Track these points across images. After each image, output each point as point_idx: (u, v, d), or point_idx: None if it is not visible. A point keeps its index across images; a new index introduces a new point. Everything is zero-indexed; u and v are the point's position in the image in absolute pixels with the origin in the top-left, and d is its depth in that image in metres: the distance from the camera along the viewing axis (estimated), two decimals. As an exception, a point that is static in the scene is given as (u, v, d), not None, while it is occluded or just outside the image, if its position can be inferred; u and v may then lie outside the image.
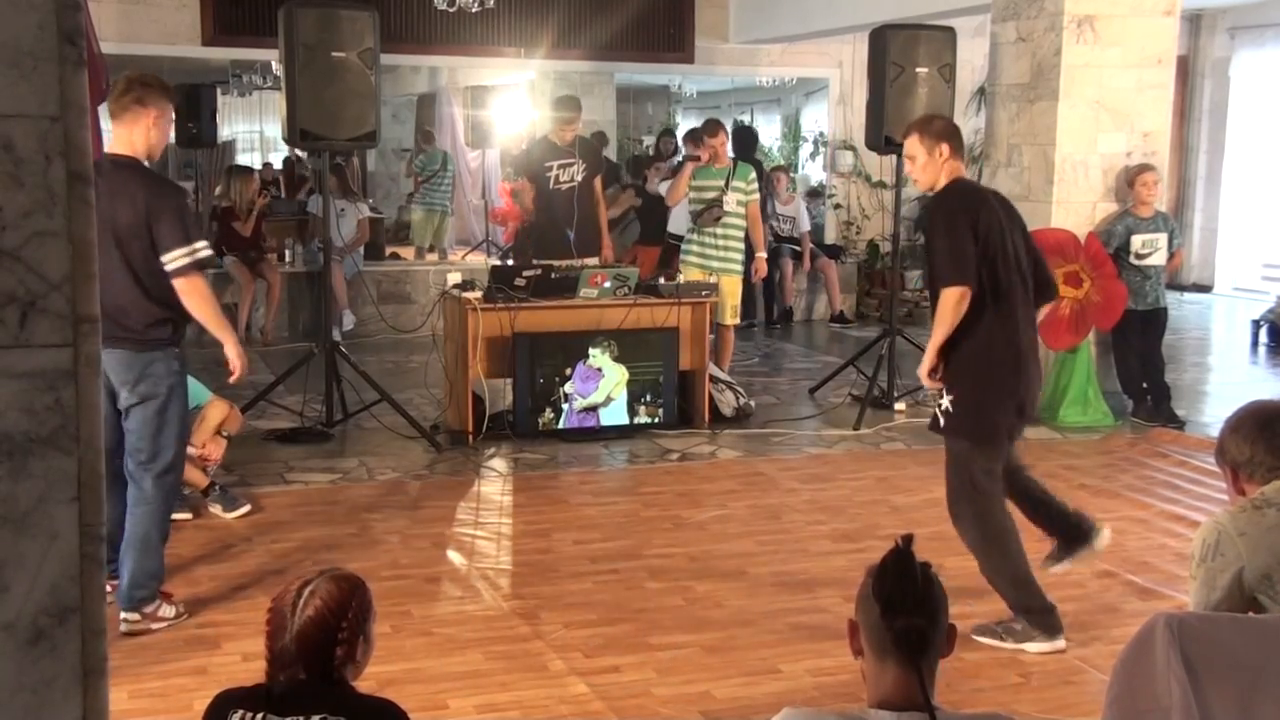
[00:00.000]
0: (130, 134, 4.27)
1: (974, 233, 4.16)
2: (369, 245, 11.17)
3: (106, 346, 4.37)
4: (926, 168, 4.36)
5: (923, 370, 4.36)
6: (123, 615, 4.23)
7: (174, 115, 4.53)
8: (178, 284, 4.21)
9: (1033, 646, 4.21)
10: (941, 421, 4.33)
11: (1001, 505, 4.33)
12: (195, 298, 4.25)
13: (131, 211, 4.16)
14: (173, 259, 4.19)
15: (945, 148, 4.32)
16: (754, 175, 8.12)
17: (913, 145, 4.38)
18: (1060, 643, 4.24)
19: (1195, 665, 2.20)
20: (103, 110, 7.70)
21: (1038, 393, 4.52)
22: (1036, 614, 4.24)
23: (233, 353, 4.45)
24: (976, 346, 4.25)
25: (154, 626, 4.28)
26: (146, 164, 4.33)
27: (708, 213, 7.84)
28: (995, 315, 4.23)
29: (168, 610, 4.35)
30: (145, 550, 4.27)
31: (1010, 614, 4.29)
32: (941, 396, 4.34)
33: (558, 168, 7.87)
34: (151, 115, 4.27)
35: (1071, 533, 4.50)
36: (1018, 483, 4.48)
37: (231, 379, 4.62)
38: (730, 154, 8.23)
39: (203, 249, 4.25)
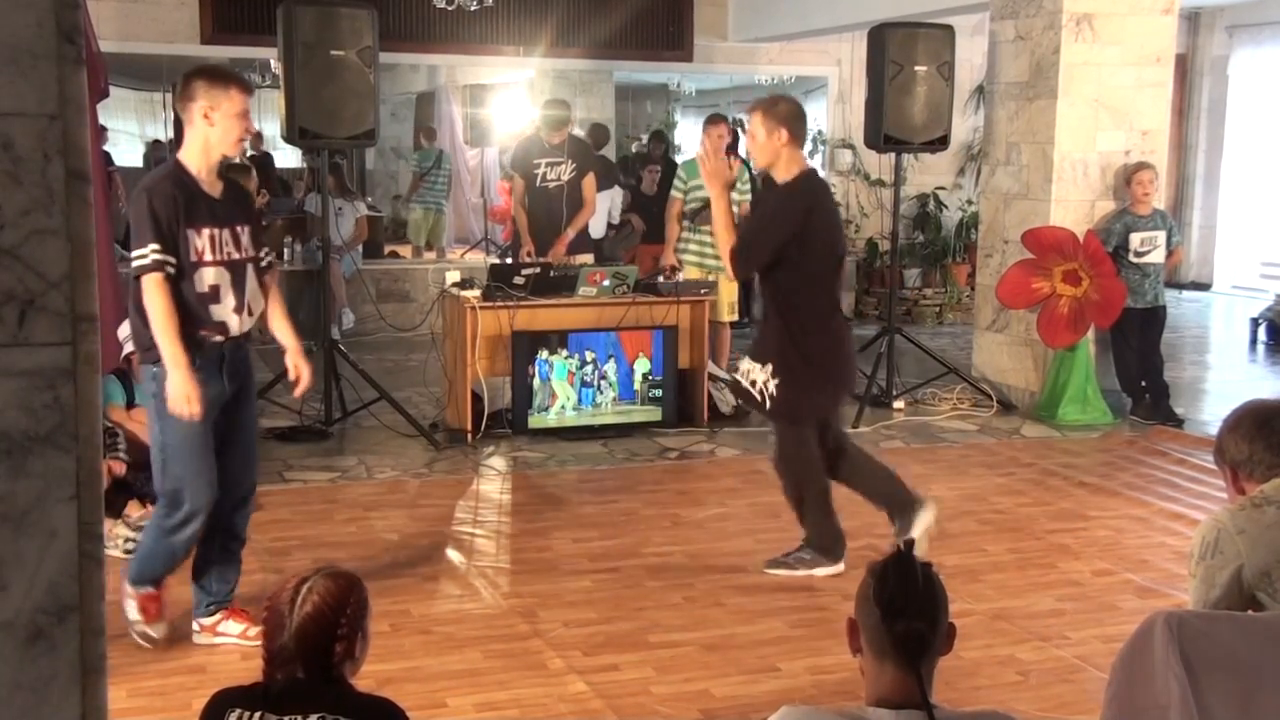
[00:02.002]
0: (189, 133, 3.96)
1: (799, 229, 4.58)
2: (368, 244, 11.16)
3: None
4: (764, 148, 4.65)
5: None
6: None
7: (241, 106, 3.97)
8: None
9: (820, 571, 4.83)
10: (767, 405, 4.73)
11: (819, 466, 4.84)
12: (146, 304, 3.87)
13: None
14: (131, 262, 3.90)
15: (784, 132, 4.60)
16: (749, 176, 8.13)
17: (755, 124, 4.65)
18: (840, 566, 4.85)
19: (1194, 663, 2.19)
20: (102, 108, 7.73)
21: (853, 374, 5.03)
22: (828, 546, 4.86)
23: (171, 377, 3.86)
24: (809, 335, 4.71)
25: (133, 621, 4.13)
26: (194, 167, 3.95)
27: (705, 212, 7.84)
28: (819, 307, 4.72)
29: (153, 629, 4.14)
30: (138, 555, 4.17)
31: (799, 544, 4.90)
32: (756, 374, 4.74)
33: (545, 165, 7.89)
34: (198, 107, 3.92)
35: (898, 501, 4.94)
36: (843, 463, 4.93)
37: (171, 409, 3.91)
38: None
39: (146, 254, 3.83)
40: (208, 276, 3.96)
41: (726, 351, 8.20)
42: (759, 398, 4.73)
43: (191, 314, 3.94)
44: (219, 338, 4.02)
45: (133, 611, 4.13)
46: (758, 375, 4.71)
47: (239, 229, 4.05)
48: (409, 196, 13.70)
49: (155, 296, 3.84)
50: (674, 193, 8.18)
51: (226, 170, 4.21)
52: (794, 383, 4.69)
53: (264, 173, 13.25)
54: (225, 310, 4.01)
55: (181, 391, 3.85)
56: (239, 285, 4.04)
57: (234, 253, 4.02)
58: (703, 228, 7.88)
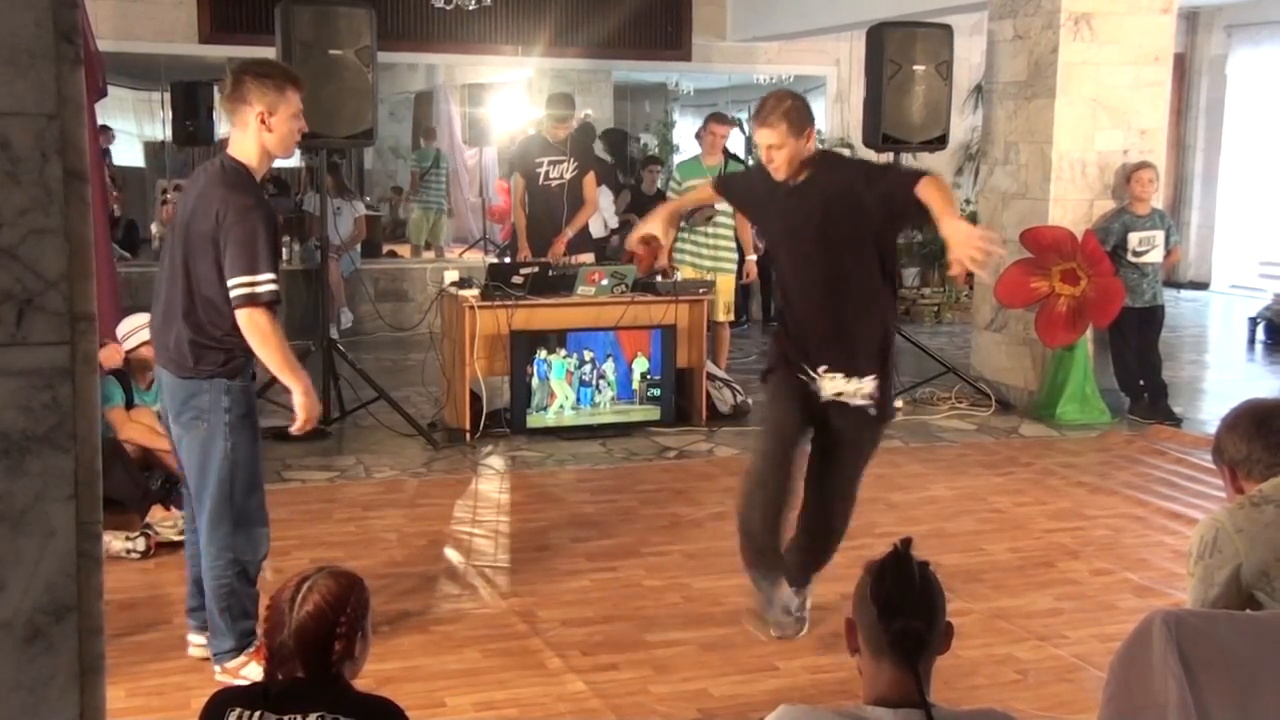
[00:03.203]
0: (241, 135, 3.74)
1: None
2: (366, 243, 11.16)
3: (158, 363, 3.90)
4: (801, 150, 3.93)
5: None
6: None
7: (298, 106, 3.77)
8: (237, 316, 3.66)
9: None
10: (874, 410, 4.11)
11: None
12: (254, 334, 3.67)
13: (207, 223, 3.64)
14: (232, 287, 3.64)
15: (811, 130, 3.96)
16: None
17: (780, 135, 3.89)
18: None
19: (1192, 662, 2.19)
20: (100, 107, 7.73)
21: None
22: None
23: (298, 400, 3.79)
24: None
25: (237, 682, 3.70)
26: (254, 169, 3.77)
27: (699, 212, 7.85)
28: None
29: (254, 669, 3.72)
30: (214, 606, 3.87)
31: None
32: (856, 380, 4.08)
33: (548, 164, 7.89)
34: (257, 110, 3.68)
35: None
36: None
37: (293, 427, 3.90)
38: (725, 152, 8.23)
39: (264, 283, 3.63)
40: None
41: (725, 351, 8.21)
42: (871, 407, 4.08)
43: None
44: None
45: (249, 669, 3.82)
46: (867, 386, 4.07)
47: None
48: (411, 194, 13.72)
49: (272, 328, 3.68)
50: (669, 194, 8.18)
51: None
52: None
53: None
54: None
55: (317, 411, 3.89)
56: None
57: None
58: (697, 228, 7.89)
